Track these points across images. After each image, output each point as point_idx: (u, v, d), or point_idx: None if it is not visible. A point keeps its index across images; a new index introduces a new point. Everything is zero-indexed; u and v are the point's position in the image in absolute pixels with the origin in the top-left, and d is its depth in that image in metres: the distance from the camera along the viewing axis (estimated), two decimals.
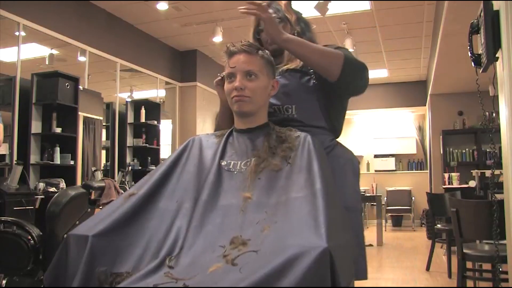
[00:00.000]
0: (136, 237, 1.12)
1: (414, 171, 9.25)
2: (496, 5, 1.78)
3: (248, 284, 0.86)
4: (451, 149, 7.54)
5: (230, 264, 0.95)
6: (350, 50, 5.95)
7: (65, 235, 1.13)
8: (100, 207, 3.56)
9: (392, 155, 9.31)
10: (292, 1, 1.58)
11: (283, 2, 1.55)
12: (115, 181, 4.72)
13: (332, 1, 4.61)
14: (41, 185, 4.05)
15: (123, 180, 5.30)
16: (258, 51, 1.33)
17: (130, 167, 5.56)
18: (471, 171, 6.64)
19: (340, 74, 1.32)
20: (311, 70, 1.43)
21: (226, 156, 1.29)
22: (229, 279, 0.90)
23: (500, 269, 2.36)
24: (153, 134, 5.96)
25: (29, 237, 1.96)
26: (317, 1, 4.54)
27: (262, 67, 1.32)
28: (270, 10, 1.39)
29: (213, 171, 1.24)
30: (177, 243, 1.08)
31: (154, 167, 5.79)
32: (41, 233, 2.00)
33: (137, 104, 5.94)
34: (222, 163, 1.26)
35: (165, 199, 1.20)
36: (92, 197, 3.10)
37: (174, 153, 1.33)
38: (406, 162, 9.41)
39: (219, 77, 1.44)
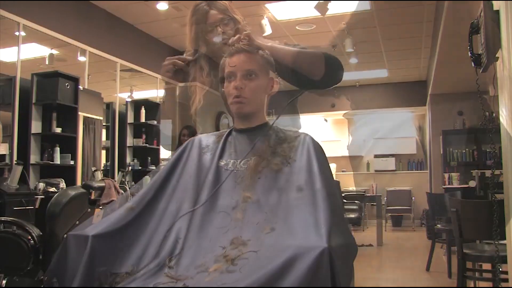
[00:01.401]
0: (136, 237, 1.12)
1: (414, 171, 9.25)
2: (496, 5, 1.78)
3: (248, 284, 0.86)
4: (451, 149, 7.53)
5: (230, 264, 0.95)
6: (350, 50, 5.96)
7: (65, 235, 1.13)
8: (100, 207, 3.55)
9: (392, 155, 9.30)
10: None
11: (227, 2, 1.56)
12: (115, 181, 4.70)
13: (332, 1, 4.60)
14: (41, 185, 4.04)
15: (123, 180, 5.29)
16: (258, 50, 1.33)
17: (130, 167, 5.56)
18: (471, 171, 6.63)
19: (325, 71, 1.39)
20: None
21: (225, 155, 1.29)
22: (229, 279, 0.90)
23: (500, 269, 2.36)
24: (153, 134, 5.96)
25: (29, 237, 1.96)
26: (317, 1, 4.53)
27: (262, 67, 1.31)
28: (216, 11, 1.55)
29: (212, 171, 1.24)
30: (177, 244, 1.08)
31: (154, 167, 5.81)
32: (41, 233, 2.00)
33: (137, 104, 5.94)
34: (221, 163, 1.26)
35: (165, 200, 1.20)
36: (92, 197, 3.10)
37: (174, 154, 1.33)
38: (406, 162, 9.41)
39: (170, 63, 1.40)
